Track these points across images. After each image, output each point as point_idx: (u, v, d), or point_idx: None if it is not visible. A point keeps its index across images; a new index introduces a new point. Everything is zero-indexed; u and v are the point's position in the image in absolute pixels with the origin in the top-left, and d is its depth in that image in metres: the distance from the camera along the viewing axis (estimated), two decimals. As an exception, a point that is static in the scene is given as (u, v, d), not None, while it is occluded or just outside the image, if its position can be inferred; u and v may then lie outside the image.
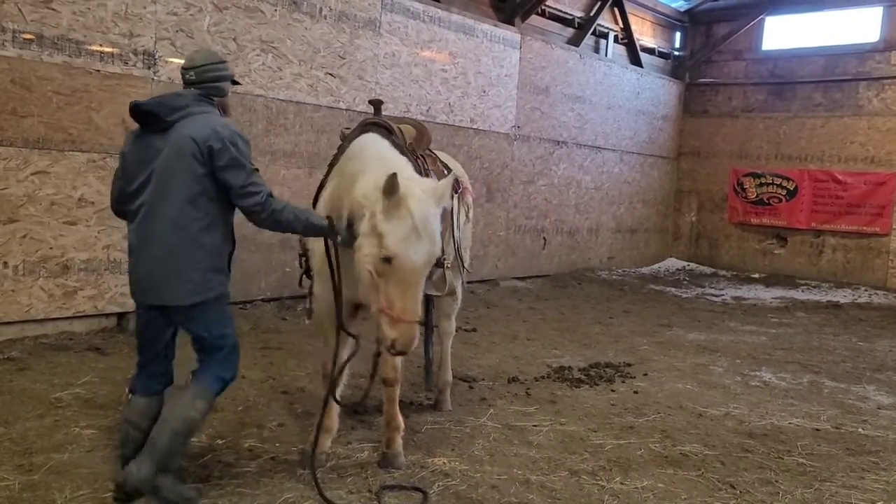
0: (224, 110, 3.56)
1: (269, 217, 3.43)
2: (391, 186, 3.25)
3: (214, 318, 3.44)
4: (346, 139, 4.17)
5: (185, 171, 3.25)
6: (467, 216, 5.07)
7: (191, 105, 3.36)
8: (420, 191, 3.38)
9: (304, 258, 4.21)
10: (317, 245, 3.85)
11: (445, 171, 4.65)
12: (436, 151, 4.84)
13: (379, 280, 3.30)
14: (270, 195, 3.41)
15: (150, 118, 3.31)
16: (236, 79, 3.68)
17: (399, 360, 4.06)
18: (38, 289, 6.03)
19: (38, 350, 5.76)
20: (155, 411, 3.47)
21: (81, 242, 6.26)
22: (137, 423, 3.43)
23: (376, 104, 4.46)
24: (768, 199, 13.87)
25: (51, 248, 6.08)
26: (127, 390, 3.60)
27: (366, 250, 3.33)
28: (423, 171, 4.15)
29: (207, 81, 3.47)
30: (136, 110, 3.31)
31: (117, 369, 5.39)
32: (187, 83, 3.47)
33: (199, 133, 3.25)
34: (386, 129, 4.07)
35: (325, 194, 4.00)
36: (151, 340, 3.51)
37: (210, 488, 3.61)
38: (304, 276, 4.23)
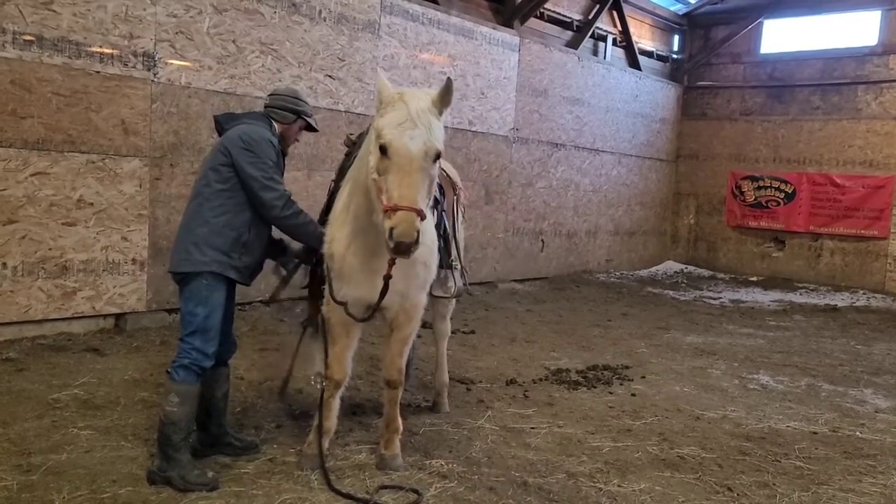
0: (284, 138, 4.08)
1: (288, 216, 3.82)
2: (383, 88, 3.37)
3: (191, 294, 3.74)
4: (355, 145, 4.19)
5: (213, 163, 3.81)
6: (463, 217, 5.08)
7: (246, 119, 4.01)
8: (415, 90, 3.48)
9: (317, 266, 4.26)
10: (336, 249, 3.81)
11: (446, 176, 4.67)
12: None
13: (380, 179, 3.27)
14: (291, 197, 3.83)
15: (218, 126, 4.03)
16: (312, 123, 4.18)
17: (403, 362, 4.06)
18: (36, 289, 6.03)
19: (37, 351, 5.76)
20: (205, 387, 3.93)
21: (80, 243, 6.26)
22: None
23: None
24: (766, 202, 13.89)
25: (50, 249, 6.09)
26: None
27: (371, 163, 3.35)
28: None
29: (273, 106, 4.07)
30: (215, 120, 4.11)
31: (115, 370, 5.40)
32: (265, 106, 4.11)
33: (230, 134, 3.86)
34: None
35: (341, 203, 3.94)
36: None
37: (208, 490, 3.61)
38: (316, 281, 4.32)
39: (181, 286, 3.78)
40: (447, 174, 4.78)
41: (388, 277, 3.49)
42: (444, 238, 4.36)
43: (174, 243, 3.87)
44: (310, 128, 4.20)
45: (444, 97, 3.35)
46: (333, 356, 3.99)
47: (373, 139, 3.38)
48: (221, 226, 3.76)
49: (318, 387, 4.22)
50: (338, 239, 3.78)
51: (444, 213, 4.38)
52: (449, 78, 3.35)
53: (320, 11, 7.95)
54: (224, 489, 3.63)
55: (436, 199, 4.17)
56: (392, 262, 3.44)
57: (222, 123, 4.01)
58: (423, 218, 3.21)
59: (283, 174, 4.01)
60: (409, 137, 3.22)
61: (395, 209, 3.15)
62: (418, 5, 9.18)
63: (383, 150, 3.25)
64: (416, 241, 3.14)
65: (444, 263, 4.31)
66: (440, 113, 3.36)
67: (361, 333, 4.17)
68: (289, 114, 4.08)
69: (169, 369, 3.74)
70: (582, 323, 8.65)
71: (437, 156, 3.30)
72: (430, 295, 4.54)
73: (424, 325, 5.18)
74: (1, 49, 5.71)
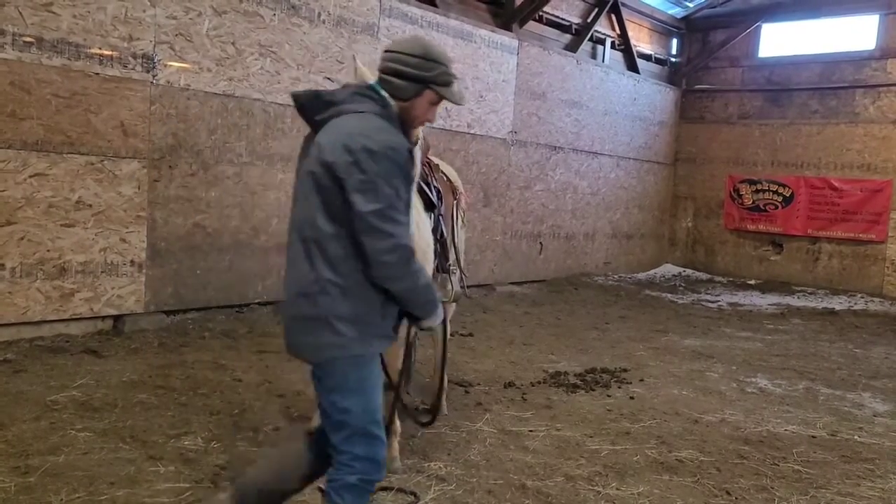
0: (405, 122, 2.73)
1: (403, 271, 2.57)
2: (363, 76, 3.12)
3: (335, 384, 2.65)
4: None
5: (313, 187, 2.56)
6: (463, 221, 5.09)
7: (346, 101, 2.63)
8: None
9: None
10: None
11: (446, 180, 4.68)
12: (433, 158, 4.87)
13: None
14: (411, 248, 2.59)
15: (302, 114, 2.67)
16: (441, 91, 2.73)
17: (399, 364, 4.06)
18: (34, 291, 6.02)
19: (34, 352, 5.75)
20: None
21: (79, 245, 6.25)
22: None
23: None
24: (764, 205, 13.91)
25: (48, 251, 6.08)
26: None
27: None
28: (428, 180, 4.18)
29: (388, 73, 2.68)
30: (294, 103, 2.68)
31: (113, 372, 5.39)
32: (379, 70, 2.76)
33: (330, 136, 2.55)
34: None
35: None
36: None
37: (205, 492, 3.61)
38: None
39: (316, 370, 2.70)
40: (448, 178, 4.78)
41: None
42: (442, 243, 4.36)
43: (287, 307, 2.69)
44: (443, 97, 2.77)
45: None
46: None
47: None
48: (355, 285, 2.58)
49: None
50: None
51: (441, 217, 4.37)
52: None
53: (319, 14, 7.96)
54: (221, 491, 3.62)
55: (432, 203, 4.17)
56: None
57: (311, 111, 2.66)
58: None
59: (410, 200, 2.66)
60: None
61: None
62: (417, 8, 9.19)
63: None
64: None
65: (442, 268, 4.31)
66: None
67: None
68: (410, 84, 2.67)
69: (325, 488, 2.71)
70: (580, 326, 8.66)
71: (415, 141, 3.17)
72: None
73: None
74: (0, 50, 5.70)
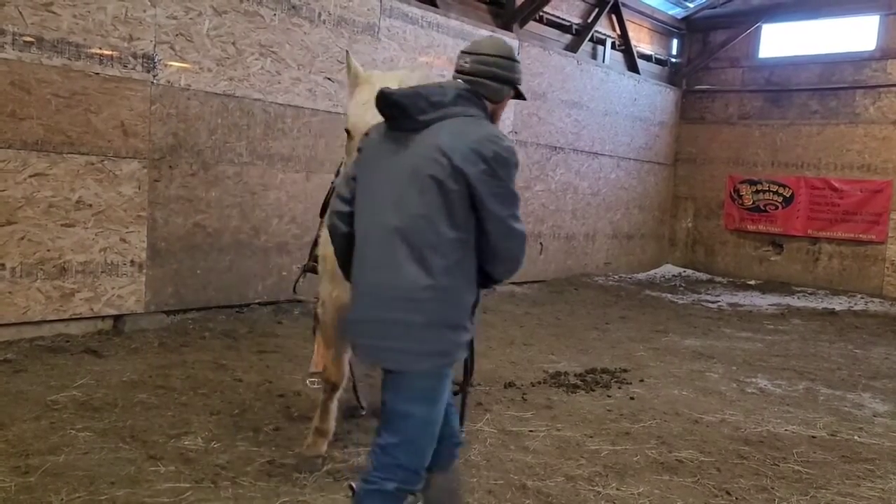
0: (492, 122, 2.74)
1: (518, 266, 2.70)
2: (355, 70, 3.27)
3: (411, 389, 2.63)
4: None
5: (432, 189, 2.50)
6: None
7: (454, 104, 2.60)
8: (386, 72, 3.36)
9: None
10: (328, 250, 3.70)
11: None
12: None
13: (347, 161, 3.14)
14: None
15: (399, 112, 2.58)
16: (520, 90, 2.82)
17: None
18: (35, 291, 6.02)
19: (35, 352, 5.75)
20: None
21: (79, 245, 6.25)
22: None
23: None
24: (764, 206, 13.91)
25: (48, 251, 6.08)
26: None
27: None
28: None
29: (482, 76, 2.67)
30: (385, 100, 2.57)
31: (113, 372, 5.39)
32: (458, 71, 2.70)
33: (452, 140, 2.51)
34: None
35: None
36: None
37: (205, 492, 3.61)
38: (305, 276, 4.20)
39: (397, 375, 2.61)
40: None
41: None
42: None
43: (374, 310, 2.58)
44: (519, 95, 2.83)
45: (413, 79, 3.19)
46: (330, 358, 3.99)
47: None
48: (460, 292, 2.58)
49: (314, 387, 4.24)
50: (329, 241, 3.73)
51: None
52: (424, 65, 3.36)
53: (320, 14, 7.96)
54: (222, 492, 3.62)
55: None
56: None
57: (413, 111, 2.55)
58: None
59: None
60: (372, 117, 2.85)
61: None
62: (417, 8, 9.20)
63: (348, 132, 3.22)
64: None
65: None
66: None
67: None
68: (502, 86, 2.71)
69: (357, 487, 2.64)
70: (580, 326, 8.65)
71: None
72: None
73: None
74: (0, 50, 5.70)
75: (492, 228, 2.55)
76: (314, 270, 4.26)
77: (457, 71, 2.71)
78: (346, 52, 3.47)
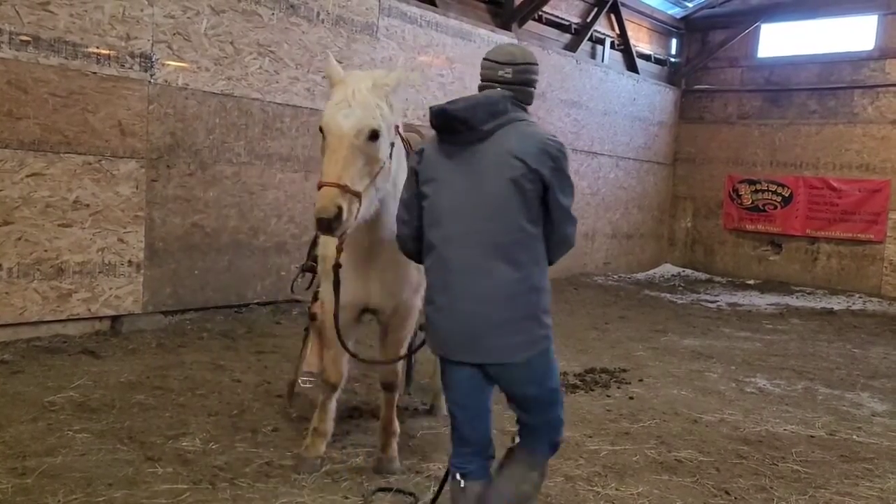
0: None
1: (571, 248, 3.01)
2: (332, 71, 3.33)
3: (548, 369, 2.97)
4: None
5: (511, 189, 2.74)
6: None
7: (510, 111, 2.86)
8: (362, 71, 3.43)
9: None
10: (328, 251, 3.77)
11: None
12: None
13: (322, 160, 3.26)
14: None
15: (462, 125, 2.78)
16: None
17: (400, 365, 4.06)
18: (32, 291, 6.01)
19: (32, 353, 5.73)
20: None
21: (76, 245, 6.23)
22: None
23: None
24: (763, 205, 13.91)
25: (45, 251, 6.06)
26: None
27: None
28: None
29: (524, 84, 2.95)
30: (446, 115, 2.79)
31: (111, 373, 5.37)
32: (498, 81, 2.91)
33: (519, 144, 2.78)
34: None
35: None
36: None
37: (203, 493, 3.60)
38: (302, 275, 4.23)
39: (514, 369, 2.87)
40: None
41: (336, 266, 3.44)
42: None
43: (476, 316, 2.79)
44: None
45: (390, 79, 3.30)
46: (329, 359, 3.98)
47: None
48: (544, 281, 2.89)
49: (304, 386, 4.22)
50: (328, 241, 3.71)
51: None
52: (401, 65, 3.40)
53: (318, 13, 7.94)
54: (220, 493, 3.61)
55: None
56: (339, 249, 3.38)
57: (477, 122, 2.77)
58: (354, 195, 3.05)
59: None
60: (343, 116, 3.13)
61: (319, 186, 3.08)
62: (416, 8, 9.18)
63: (321, 131, 3.25)
64: (339, 218, 2.99)
65: None
66: (386, 94, 3.27)
67: (358, 336, 4.16)
68: (534, 90, 3.05)
69: (538, 449, 3.03)
70: (579, 326, 8.65)
71: (373, 135, 3.16)
72: None
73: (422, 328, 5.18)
74: (-3, 50, 5.70)
75: (558, 217, 2.85)
76: (312, 270, 4.24)
77: (496, 81, 2.92)
78: (327, 53, 3.49)
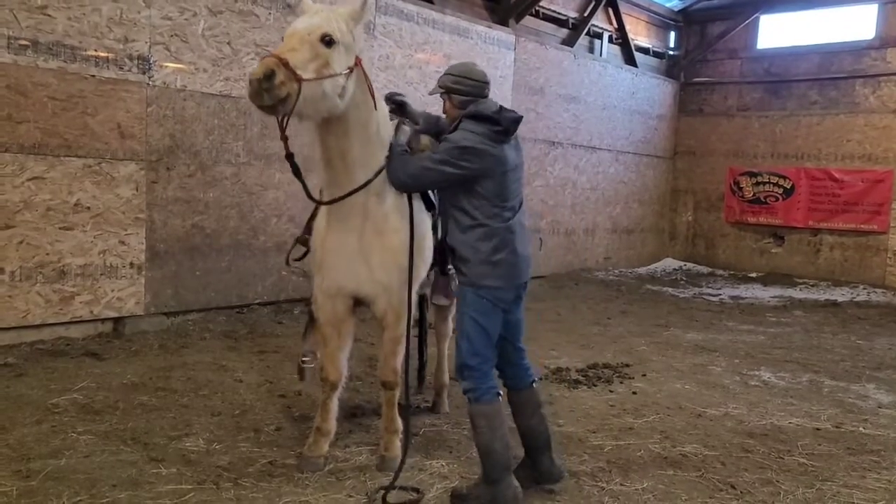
0: None
1: None
2: (304, 7, 3.55)
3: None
4: None
5: (520, 178, 3.79)
6: None
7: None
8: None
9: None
10: (318, 239, 3.92)
11: None
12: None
13: None
14: None
15: (505, 136, 3.61)
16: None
17: (399, 363, 4.05)
18: (34, 294, 6.01)
19: (35, 356, 5.74)
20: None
21: (78, 248, 6.24)
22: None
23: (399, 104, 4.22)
24: (765, 197, 13.87)
25: (47, 254, 6.06)
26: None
27: None
28: None
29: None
30: (518, 122, 3.63)
31: (114, 374, 5.38)
32: (485, 96, 3.75)
33: (518, 144, 3.81)
34: None
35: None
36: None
37: (207, 493, 3.60)
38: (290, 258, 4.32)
39: (523, 288, 4.00)
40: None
41: (289, 156, 3.84)
42: (442, 243, 4.33)
43: (524, 258, 3.89)
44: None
45: (354, 8, 3.54)
46: (327, 356, 3.99)
47: None
48: None
49: (307, 365, 4.24)
50: (318, 229, 3.89)
51: (441, 216, 4.34)
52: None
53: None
54: (223, 493, 3.61)
55: (432, 203, 4.16)
56: (284, 139, 3.66)
57: (514, 131, 3.70)
58: (294, 74, 3.17)
59: None
60: (299, 21, 3.43)
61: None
62: (413, 5, 9.16)
63: (283, 41, 3.41)
64: (270, 81, 3.10)
65: (442, 270, 4.29)
66: (346, 19, 3.49)
67: (357, 333, 4.16)
68: None
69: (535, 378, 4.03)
70: (581, 321, 8.64)
71: (326, 38, 3.34)
72: (431, 303, 4.57)
73: (424, 324, 5.18)
74: (-5, 54, 5.69)
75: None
76: (305, 243, 4.19)
77: (484, 96, 3.72)
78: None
